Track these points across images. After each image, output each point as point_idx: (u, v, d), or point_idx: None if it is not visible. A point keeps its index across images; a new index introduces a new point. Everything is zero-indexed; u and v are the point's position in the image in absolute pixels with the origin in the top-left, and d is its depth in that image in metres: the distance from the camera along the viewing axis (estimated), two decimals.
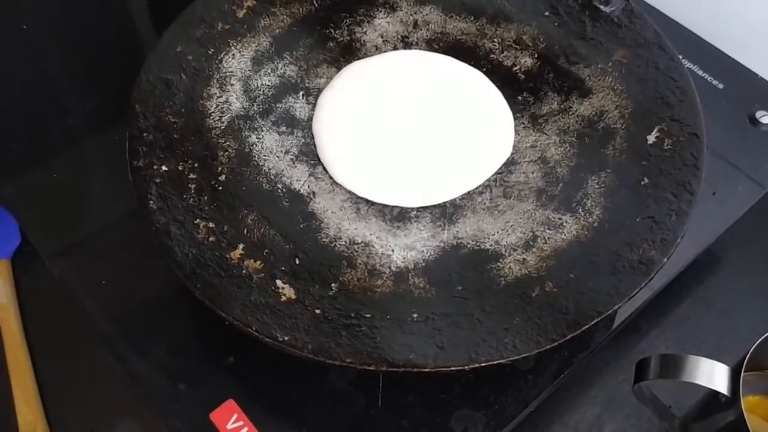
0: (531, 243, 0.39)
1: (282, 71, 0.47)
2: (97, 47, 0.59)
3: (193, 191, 0.41)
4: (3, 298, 0.50)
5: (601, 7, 0.47)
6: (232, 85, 0.46)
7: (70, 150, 0.53)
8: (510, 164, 0.43)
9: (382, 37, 0.49)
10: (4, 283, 0.51)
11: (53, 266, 0.46)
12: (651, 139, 0.42)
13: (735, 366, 0.37)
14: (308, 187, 0.42)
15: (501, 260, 0.39)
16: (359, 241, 0.40)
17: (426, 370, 0.34)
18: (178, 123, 0.43)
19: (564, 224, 0.40)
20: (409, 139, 0.44)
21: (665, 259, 0.37)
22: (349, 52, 0.48)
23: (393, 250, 0.40)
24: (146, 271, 0.45)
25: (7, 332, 0.49)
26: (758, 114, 0.51)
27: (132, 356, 0.42)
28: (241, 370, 0.41)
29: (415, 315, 0.36)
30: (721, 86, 0.53)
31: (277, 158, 0.43)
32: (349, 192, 0.42)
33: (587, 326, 0.35)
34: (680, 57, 0.52)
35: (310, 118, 0.45)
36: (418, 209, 0.41)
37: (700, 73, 0.53)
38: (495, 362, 0.34)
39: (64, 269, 0.46)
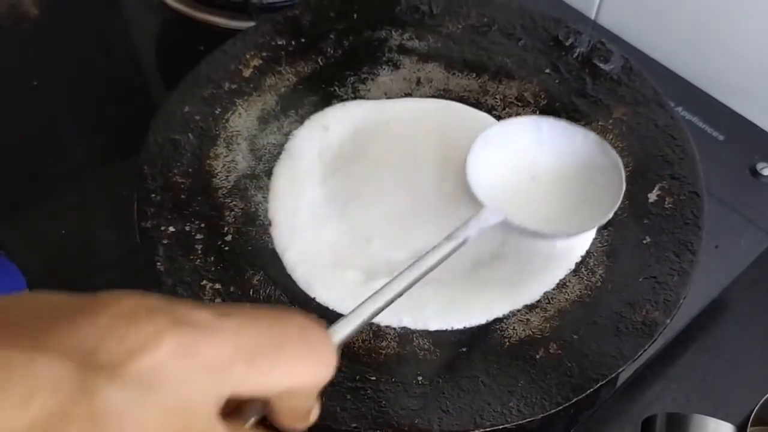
0: (535, 303, 0.39)
1: (287, 129, 0.48)
2: (106, 103, 0.60)
3: (199, 252, 0.41)
4: None
5: (601, 64, 0.48)
6: (238, 144, 0.46)
7: (78, 205, 0.53)
8: None
9: (386, 94, 0.49)
10: None
11: None
12: (652, 197, 0.42)
13: (740, 424, 0.37)
14: None
15: (505, 320, 0.39)
16: None
17: None
18: (185, 183, 0.44)
19: (567, 284, 0.40)
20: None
21: (668, 320, 0.37)
22: None
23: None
24: None
25: None
26: (759, 166, 0.51)
27: None
28: None
29: (420, 377, 0.37)
30: (721, 138, 0.53)
31: None
32: None
33: (592, 389, 0.35)
34: (680, 109, 0.53)
35: None
36: None
37: (701, 124, 0.54)
38: (500, 427, 0.34)
39: None
